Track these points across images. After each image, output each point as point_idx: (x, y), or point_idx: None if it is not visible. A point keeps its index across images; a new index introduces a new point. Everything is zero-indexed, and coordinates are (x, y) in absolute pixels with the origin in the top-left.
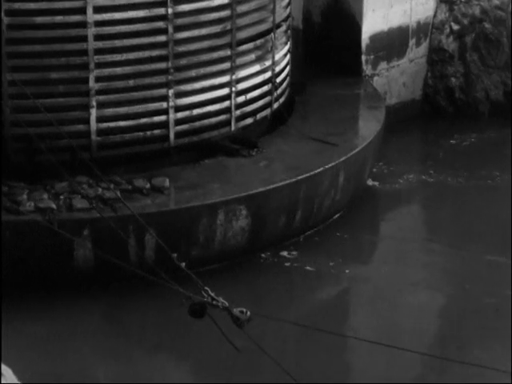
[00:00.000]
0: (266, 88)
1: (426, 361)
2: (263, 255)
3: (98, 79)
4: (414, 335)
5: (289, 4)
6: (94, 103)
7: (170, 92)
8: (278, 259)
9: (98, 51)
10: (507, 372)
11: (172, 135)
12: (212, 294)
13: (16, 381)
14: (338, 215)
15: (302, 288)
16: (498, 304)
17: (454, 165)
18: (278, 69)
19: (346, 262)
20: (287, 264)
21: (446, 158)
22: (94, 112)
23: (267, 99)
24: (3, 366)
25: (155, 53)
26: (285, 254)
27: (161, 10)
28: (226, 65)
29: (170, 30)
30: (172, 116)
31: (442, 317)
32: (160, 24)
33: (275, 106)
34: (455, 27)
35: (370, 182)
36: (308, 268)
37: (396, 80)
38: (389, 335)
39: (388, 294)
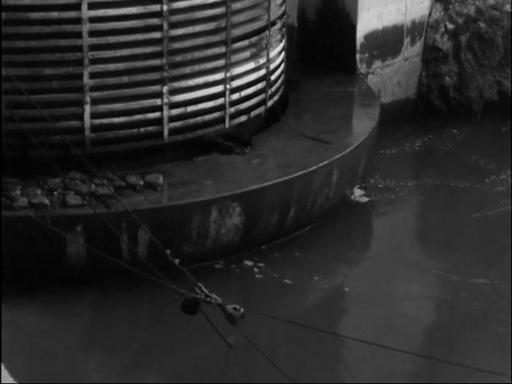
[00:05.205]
0: (260, 85)
1: (418, 361)
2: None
3: (92, 75)
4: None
5: (284, 2)
6: (88, 99)
7: (164, 89)
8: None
9: (93, 47)
10: (505, 374)
11: (166, 132)
12: (205, 291)
13: (12, 381)
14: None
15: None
16: (489, 312)
17: (447, 167)
18: (272, 66)
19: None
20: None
21: (437, 159)
22: (87, 108)
23: (261, 97)
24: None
25: (150, 49)
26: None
27: (156, 7)
28: (221, 62)
29: (165, 26)
30: (166, 113)
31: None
32: (155, 21)
33: (269, 103)
34: (450, 26)
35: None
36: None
37: (390, 78)
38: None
39: (374, 305)
